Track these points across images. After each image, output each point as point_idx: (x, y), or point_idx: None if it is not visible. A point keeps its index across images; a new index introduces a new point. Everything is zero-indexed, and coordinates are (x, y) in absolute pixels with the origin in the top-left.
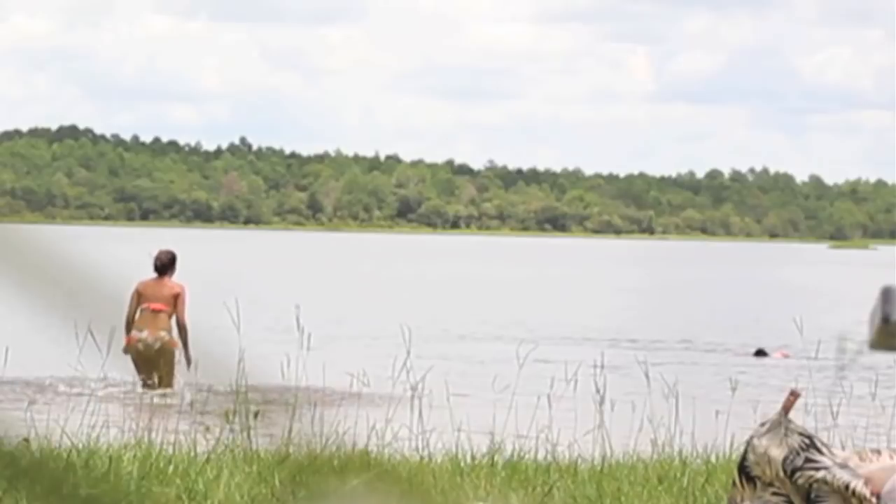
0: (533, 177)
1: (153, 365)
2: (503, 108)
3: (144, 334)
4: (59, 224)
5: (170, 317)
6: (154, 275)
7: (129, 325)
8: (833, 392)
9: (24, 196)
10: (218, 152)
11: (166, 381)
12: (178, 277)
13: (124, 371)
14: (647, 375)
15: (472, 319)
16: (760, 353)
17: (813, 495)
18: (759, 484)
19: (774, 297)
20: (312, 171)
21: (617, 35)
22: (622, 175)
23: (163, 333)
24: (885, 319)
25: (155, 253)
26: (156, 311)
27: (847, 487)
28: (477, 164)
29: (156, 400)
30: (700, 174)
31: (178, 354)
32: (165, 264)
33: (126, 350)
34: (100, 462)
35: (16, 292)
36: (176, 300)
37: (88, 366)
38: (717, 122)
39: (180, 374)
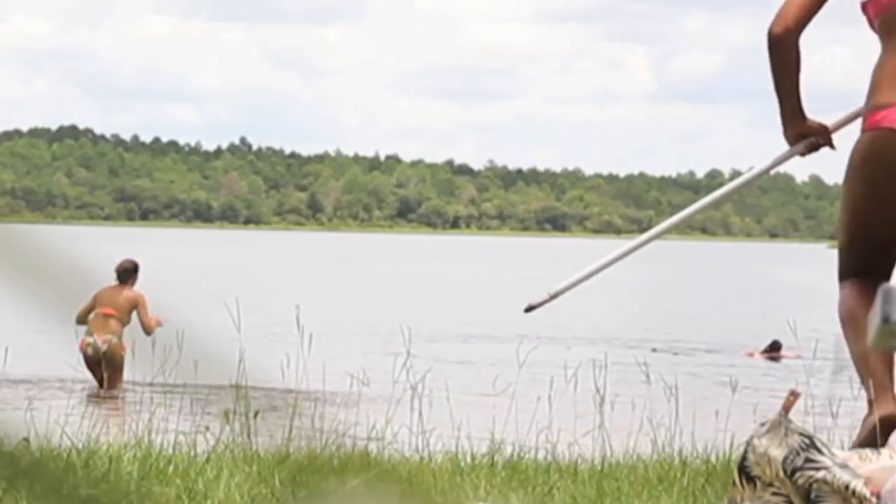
0: (533, 177)
1: (100, 367)
2: (503, 108)
3: (93, 339)
4: (59, 224)
5: (122, 324)
6: (115, 283)
7: (79, 322)
8: (833, 392)
9: (24, 196)
10: (218, 152)
11: (112, 383)
12: (179, 279)
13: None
14: (647, 376)
15: (473, 319)
16: (775, 345)
17: (813, 495)
18: (759, 484)
19: (774, 297)
20: (312, 171)
21: (617, 35)
22: (622, 175)
23: (110, 336)
24: (885, 319)
25: (117, 262)
26: (107, 316)
27: (847, 487)
28: (477, 164)
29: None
30: (700, 174)
31: (127, 357)
32: (128, 270)
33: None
34: (100, 462)
35: (16, 292)
36: (133, 308)
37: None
38: (717, 122)
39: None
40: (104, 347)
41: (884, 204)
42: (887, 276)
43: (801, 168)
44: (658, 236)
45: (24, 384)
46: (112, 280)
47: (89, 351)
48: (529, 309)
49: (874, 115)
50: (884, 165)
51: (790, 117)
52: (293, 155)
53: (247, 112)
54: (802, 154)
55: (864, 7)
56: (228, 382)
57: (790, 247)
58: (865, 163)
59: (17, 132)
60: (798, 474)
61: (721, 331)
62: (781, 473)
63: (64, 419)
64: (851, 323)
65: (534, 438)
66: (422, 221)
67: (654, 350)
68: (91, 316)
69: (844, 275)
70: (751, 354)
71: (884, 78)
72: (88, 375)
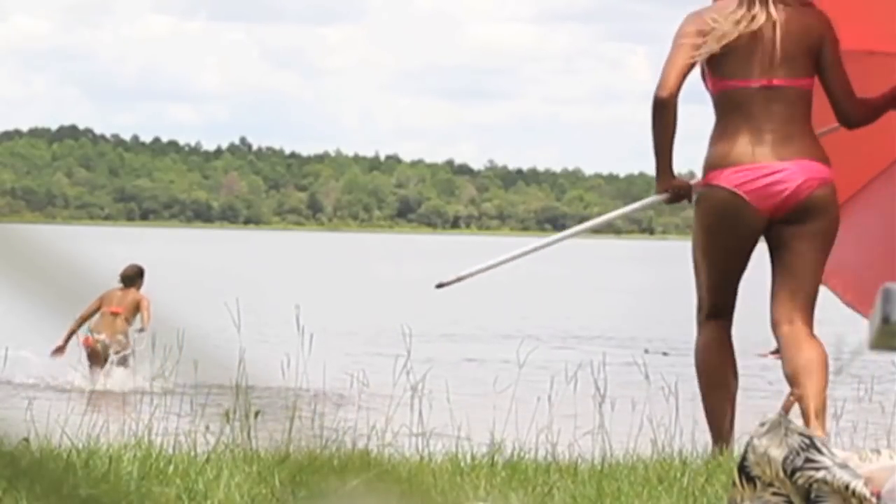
0: (533, 177)
1: (104, 364)
2: (503, 108)
3: (102, 336)
4: (59, 224)
5: (127, 321)
6: (120, 287)
7: (82, 321)
8: (832, 392)
9: (24, 196)
10: (218, 152)
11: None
12: (179, 279)
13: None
14: (646, 376)
15: (472, 319)
16: None
17: (813, 495)
18: (759, 484)
19: None
20: (312, 171)
21: (617, 35)
22: (622, 175)
23: (119, 336)
24: (885, 319)
25: (122, 267)
26: (114, 315)
27: (847, 487)
28: (477, 164)
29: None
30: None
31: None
32: (131, 276)
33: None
34: (100, 462)
35: (15, 292)
36: (136, 309)
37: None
38: None
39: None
40: (113, 346)
41: (719, 245)
42: (731, 314)
43: None
44: (567, 238)
45: (23, 384)
46: (115, 284)
47: (97, 346)
48: (440, 286)
49: (709, 174)
50: (717, 215)
51: (662, 174)
52: (293, 155)
53: (247, 112)
54: (667, 202)
55: (703, 79)
56: (228, 382)
57: None
58: (705, 215)
59: (17, 132)
60: (798, 474)
61: None
62: (781, 473)
63: (64, 419)
64: (706, 373)
65: (534, 438)
66: (422, 221)
67: (646, 352)
68: (98, 315)
69: (702, 315)
70: (763, 356)
71: (718, 144)
72: (88, 374)
